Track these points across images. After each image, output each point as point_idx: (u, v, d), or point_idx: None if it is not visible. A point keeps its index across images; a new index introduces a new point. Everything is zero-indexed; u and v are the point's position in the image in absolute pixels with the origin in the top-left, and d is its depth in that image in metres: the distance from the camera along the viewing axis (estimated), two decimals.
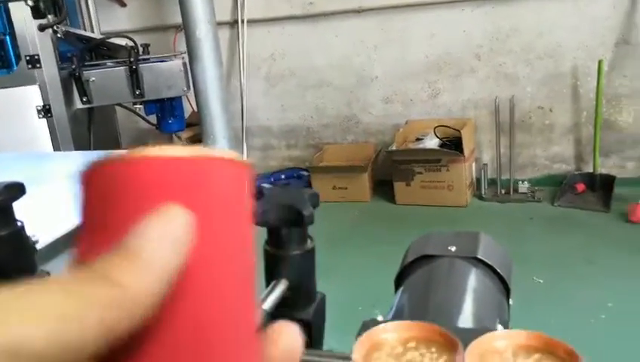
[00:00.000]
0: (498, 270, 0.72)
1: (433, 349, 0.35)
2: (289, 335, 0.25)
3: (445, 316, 0.66)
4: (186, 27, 3.17)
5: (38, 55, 2.54)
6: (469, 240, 0.76)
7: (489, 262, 0.72)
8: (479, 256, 0.72)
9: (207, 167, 0.23)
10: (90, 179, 0.23)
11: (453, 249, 0.73)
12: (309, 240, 0.61)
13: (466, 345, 0.38)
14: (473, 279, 0.70)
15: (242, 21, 3.76)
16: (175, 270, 0.21)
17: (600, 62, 3.14)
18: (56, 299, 0.19)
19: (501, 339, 0.35)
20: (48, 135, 2.54)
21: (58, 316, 0.19)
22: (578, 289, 2.45)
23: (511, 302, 0.74)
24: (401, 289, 0.71)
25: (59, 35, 2.68)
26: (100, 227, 0.22)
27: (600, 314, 2.23)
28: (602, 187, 3.31)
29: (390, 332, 0.37)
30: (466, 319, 0.65)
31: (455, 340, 0.35)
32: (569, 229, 3.03)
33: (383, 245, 2.95)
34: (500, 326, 0.62)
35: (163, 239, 0.21)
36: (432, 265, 0.72)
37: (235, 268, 0.23)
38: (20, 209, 0.75)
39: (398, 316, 0.67)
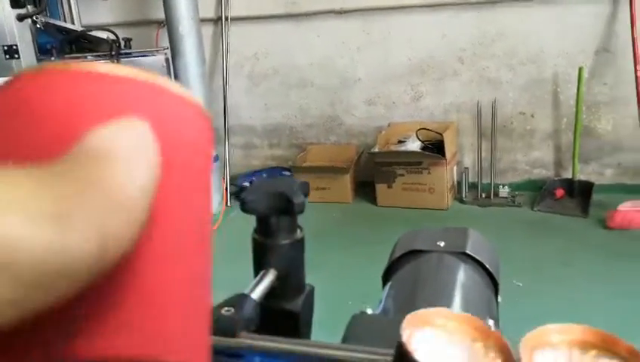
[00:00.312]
0: (487, 266, 0.71)
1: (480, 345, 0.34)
2: None
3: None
4: (169, 23, 3.14)
5: (16, 45, 2.49)
6: (458, 236, 0.75)
7: (478, 258, 0.71)
8: (468, 252, 0.71)
9: (160, 92, 0.20)
10: (12, 92, 0.20)
11: (442, 244, 0.73)
12: (298, 230, 0.60)
13: None
14: (462, 274, 0.69)
15: (226, 18, 3.73)
16: (154, 178, 0.18)
17: (580, 69, 3.17)
18: (43, 196, 0.15)
19: (555, 334, 0.34)
20: None
21: (53, 216, 0.15)
22: (556, 293, 2.47)
23: (499, 299, 0.73)
24: (389, 283, 0.70)
25: (38, 26, 2.62)
26: (32, 139, 0.19)
27: (578, 319, 2.24)
28: (581, 193, 3.34)
29: (442, 318, 0.36)
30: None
31: (507, 346, 0.34)
32: (548, 234, 3.06)
33: (364, 246, 2.95)
34: (491, 322, 0.61)
35: (134, 143, 0.18)
36: (420, 260, 0.71)
37: (196, 199, 0.22)
38: None
39: (386, 310, 0.66)
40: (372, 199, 3.56)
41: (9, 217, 0.14)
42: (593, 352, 0.33)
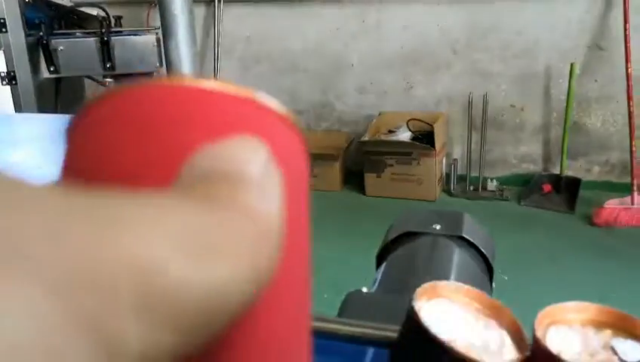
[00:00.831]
0: (482, 250, 0.70)
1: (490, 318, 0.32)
2: None
3: None
4: (160, 2, 3.09)
5: (4, 19, 2.44)
6: (453, 220, 0.75)
7: (473, 242, 0.70)
8: (463, 235, 0.71)
9: (266, 112, 0.20)
10: (107, 108, 0.18)
11: (438, 227, 0.72)
12: None
13: None
14: (457, 257, 0.68)
15: (219, 0, 3.69)
16: (282, 203, 0.17)
17: (572, 65, 3.17)
18: (187, 225, 0.13)
19: (571, 312, 0.33)
20: (12, 103, 2.44)
21: (203, 248, 0.13)
22: (541, 287, 2.48)
23: (493, 285, 0.73)
24: (384, 264, 0.69)
25: (26, 0, 2.57)
26: (139, 160, 0.17)
27: None
28: (568, 189, 3.36)
29: (454, 293, 0.34)
30: None
31: (517, 323, 0.32)
32: (535, 229, 3.07)
33: (350, 236, 2.94)
34: None
35: (261, 164, 0.16)
36: (415, 242, 0.70)
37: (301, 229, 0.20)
38: None
39: (381, 289, 0.65)
40: (361, 188, 3.56)
41: (160, 251, 0.13)
42: (608, 331, 0.32)
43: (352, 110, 3.80)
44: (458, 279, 0.65)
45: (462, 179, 3.56)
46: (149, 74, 2.81)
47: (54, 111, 2.61)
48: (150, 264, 0.12)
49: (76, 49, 2.64)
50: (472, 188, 3.52)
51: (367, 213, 3.32)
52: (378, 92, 3.71)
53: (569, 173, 3.41)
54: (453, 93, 3.57)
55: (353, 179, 3.65)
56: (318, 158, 3.56)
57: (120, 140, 0.17)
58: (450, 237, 0.70)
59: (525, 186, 3.47)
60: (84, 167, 0.18)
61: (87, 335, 0.11)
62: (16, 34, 2.50)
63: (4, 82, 2.45)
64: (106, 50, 2.61)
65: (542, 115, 3.49)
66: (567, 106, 3.25)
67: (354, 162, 3.66)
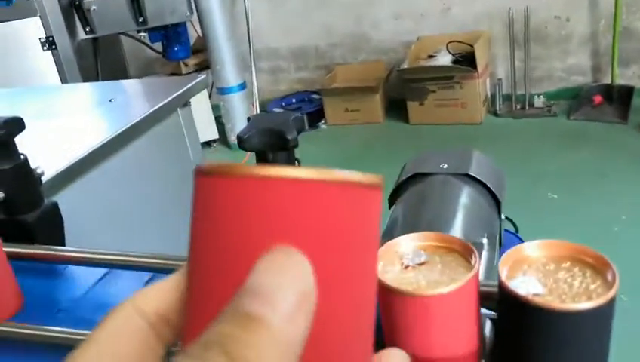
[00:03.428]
0: (489, 185, 0.72)
1: (588, 273, 0.34)
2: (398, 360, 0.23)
3: (435, 231, 0.67)
4: None
5: None
6: (462, 158, 0.76)
7: (480, 179, 0.72)
8: (471, 173, 0.72)
9: (329, 194, 0.19)
10: (210, 188, 0.20)
11: (445, 166, 0.73)
12: (296, 163, 0.62)
13: None
14: (464, 195, 0.70)
15: None
16: (304, 338, 0.18)
17: None
18: None
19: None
20: (55, 67, 2.52)
21: None
22: (593, 202, 2.45)
23: (502, 216, 0.75)
24: (394, 206, 0.72)
25: None
26: (217, 256, 0.19)
27: (613, 227, 2.23)
28: (620, 98, 3.22)
29: (537, 250, 0.36)
30: (454, 234, 0.66)
31: (607, 261, 0.34)
32: (585, 143, 2.99)
33: (396, 165, 2.95)
34: (485, 240, 0.63)
35: (293, 299, 0.17)
36: (424, 183, 0.72)
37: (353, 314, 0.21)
38: (26, 143, 0.76)
39: (390, 230, 0.68)
40: (404, 117, 3.53)
41: None
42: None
43: (388, 38, 3.72)
44: (462, 218, 0.68)
45: (507, 98, 3.47)
46: (181, 24, 2.84)
47: (96, 72, 2.68)
48: None
49: (108, 6, 2.68)
50: (518, 106, 3.43)
51: (412, 141, 3.31)
52: (414, 16, 3.61)
53: (621, 81, 3.26)
54: (492, 9, 3.43)
55: (395, 109, 3.62)
56: (357, 92, 3.54)
57: (227, 220, 0.19)
58: (458, 176, 0.73)
59: (574, 100, 3.36)
60: (202, 224, 0.20)
61: None
62: None
63: (45, 47, 2.53)
64: (136, 5, 2.64)
65: (589, 23, 3.32)
66: (615, 11, 3.08)
67: (395, 92, 3.62)
